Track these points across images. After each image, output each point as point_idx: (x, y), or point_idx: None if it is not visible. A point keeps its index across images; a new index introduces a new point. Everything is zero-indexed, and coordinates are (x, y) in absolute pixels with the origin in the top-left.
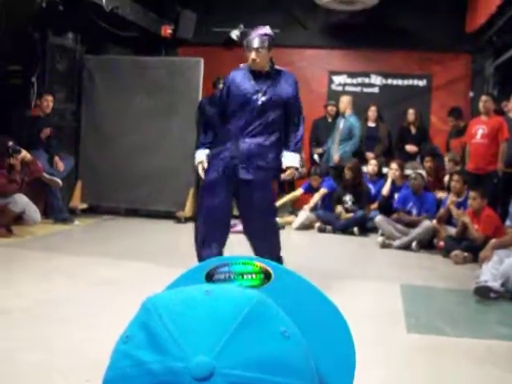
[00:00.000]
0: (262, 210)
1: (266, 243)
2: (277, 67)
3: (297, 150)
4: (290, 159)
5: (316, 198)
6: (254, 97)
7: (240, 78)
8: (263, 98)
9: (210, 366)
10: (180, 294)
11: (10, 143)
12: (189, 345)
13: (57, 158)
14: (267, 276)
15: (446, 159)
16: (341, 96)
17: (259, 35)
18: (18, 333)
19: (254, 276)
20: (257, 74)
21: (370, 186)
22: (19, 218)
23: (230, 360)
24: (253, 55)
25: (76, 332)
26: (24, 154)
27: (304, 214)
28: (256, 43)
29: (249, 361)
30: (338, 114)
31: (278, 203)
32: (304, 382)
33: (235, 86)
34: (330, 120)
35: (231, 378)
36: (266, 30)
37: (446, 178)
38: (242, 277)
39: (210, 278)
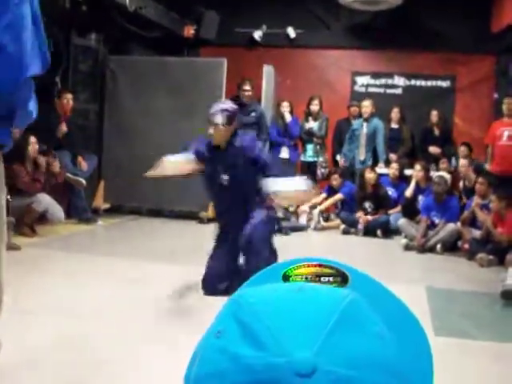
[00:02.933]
0: None
1: None
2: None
3: None
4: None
5: (329, 202)
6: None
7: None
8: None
9: (312, 362)
10: (271, 290)
11: (34, 140)
12: (287, 340)
13: (80, 158)
14: (344, 279)
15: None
16: (363, 100)
17: (220, 111)
18: (44, 332)
19: (331, 279)
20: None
21: (392, 189)
22: (43, 218)
23: (330, 357)
24: (211, 130)
25: (100, 329)
26: (56, 164)
27: (315, 216)
28: (217, 119)
29: (348, 358)
30: (360, 115)
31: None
32: (400, 382)
33: None
34: (353, 121)
35: (333, 375)
36: (227, 104)
37: (461, 183)
38: (319, 279)
39: (286, 279)
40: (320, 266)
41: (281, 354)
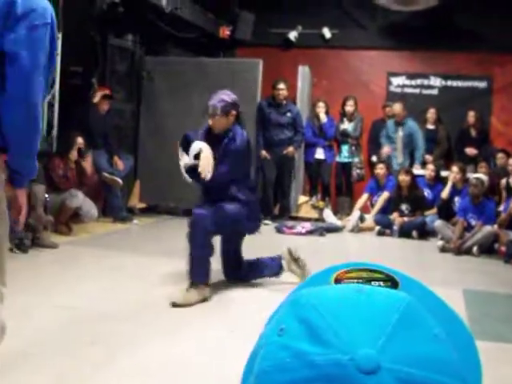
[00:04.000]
0: None
1: None
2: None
3: None
4: None
5: (380, 203)
6: None
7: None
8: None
9: (376, 359)
10: (331, 290)
11: (81, 141)
12: (350, 338)
13: (116, 158)
14: (394, 284)
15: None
16: (394, 104)
17: (217, 101)
18: (82, 328)
19: (381, 283)
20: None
21: (427, 190)
22: (76, 215)
23: (393, 355)
24: (209, 121)
25: (136, 329)
26: (88, 165)
27: (356, 216)
28: (211, 110)
29: (409, 358)
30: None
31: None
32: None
33: None
34: (387, 121)
35: (397, 374)
36: (225, 95)
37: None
38: (370, 283)
39: (338, 282)
40: (370, 270)
41: (344, 351)
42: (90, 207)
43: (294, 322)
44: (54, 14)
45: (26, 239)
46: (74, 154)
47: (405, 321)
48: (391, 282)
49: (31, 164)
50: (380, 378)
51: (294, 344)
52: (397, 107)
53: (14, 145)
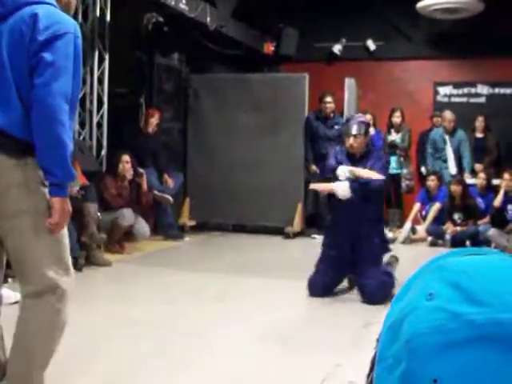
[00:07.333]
0: None
1: None
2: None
3: None
4: None
5: (432, 214)
6: None
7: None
8: None
9: None
10: (474, 258)
11: (127, 159)
12: (508, 298)
13: (166, 176)
14: None
15: None
16: (443, 112)
17: (358, 122)
18: (144, 342)
19: None
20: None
21: (479, 199)
22: (128, 234)
23: None
24: (351, 141)
25: (196, 343)
26: (144, 183)
27: (407, 227)
28: (354, 130)
29: None
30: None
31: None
32: None
33: None
34: (433, 131)
35: None
36: (364, 117)
37: None
38: None
39: None
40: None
41: (504, 310)
42: (142, 225)
43: (444, 286)
44: (79, 31)
45: (81, 258)
46: (129, 173)
47: None
48: None
49: (61, 162)
50: None
51: (449, 306)
52: (448, 114)
53: (38, 138)
